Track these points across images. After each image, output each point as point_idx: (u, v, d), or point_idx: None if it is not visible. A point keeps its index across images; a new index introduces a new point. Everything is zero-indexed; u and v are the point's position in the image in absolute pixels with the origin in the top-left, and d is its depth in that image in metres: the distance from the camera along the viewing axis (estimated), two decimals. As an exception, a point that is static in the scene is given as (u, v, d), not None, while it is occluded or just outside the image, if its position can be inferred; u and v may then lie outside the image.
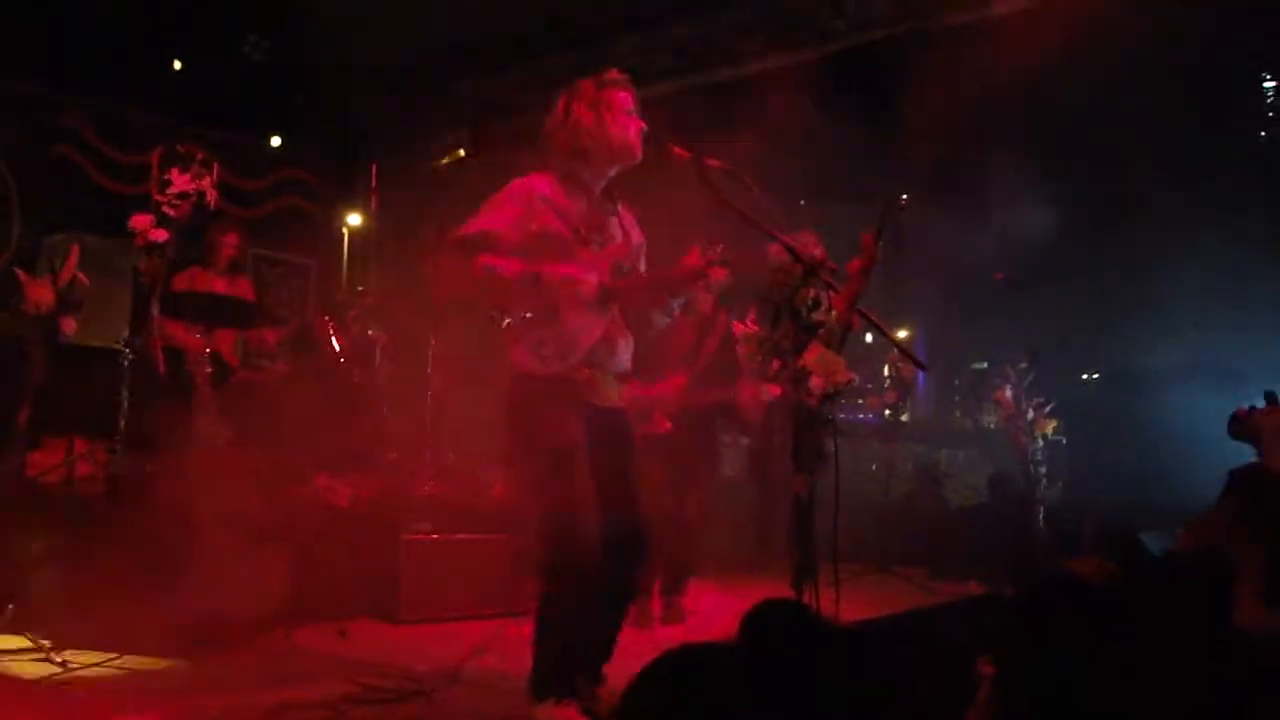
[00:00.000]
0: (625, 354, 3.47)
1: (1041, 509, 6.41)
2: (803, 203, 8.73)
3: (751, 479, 8.40)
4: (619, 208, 3.56)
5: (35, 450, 5.64)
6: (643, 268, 3.58)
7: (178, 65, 8.51)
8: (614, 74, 3.51)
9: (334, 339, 6.61)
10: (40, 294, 5.24)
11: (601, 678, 3.43)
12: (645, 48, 8.76)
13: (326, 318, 6.76)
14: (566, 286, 3.23)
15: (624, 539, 3.31)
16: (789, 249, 2.96)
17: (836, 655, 1.54)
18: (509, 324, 3.36)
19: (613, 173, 3.50)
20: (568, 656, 3.29)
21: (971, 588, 6.42)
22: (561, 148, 3.44)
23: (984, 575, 6.46)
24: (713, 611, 5.73)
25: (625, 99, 3.45)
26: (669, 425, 5.14)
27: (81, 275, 5.41)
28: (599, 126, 3.38)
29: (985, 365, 6.59)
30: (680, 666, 1.49)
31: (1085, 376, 8.68)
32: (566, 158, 3.44)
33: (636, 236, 3.58)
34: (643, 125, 3.41)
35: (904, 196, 5.53)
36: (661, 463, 4.87)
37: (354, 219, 9.62)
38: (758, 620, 1.60)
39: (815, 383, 2.76)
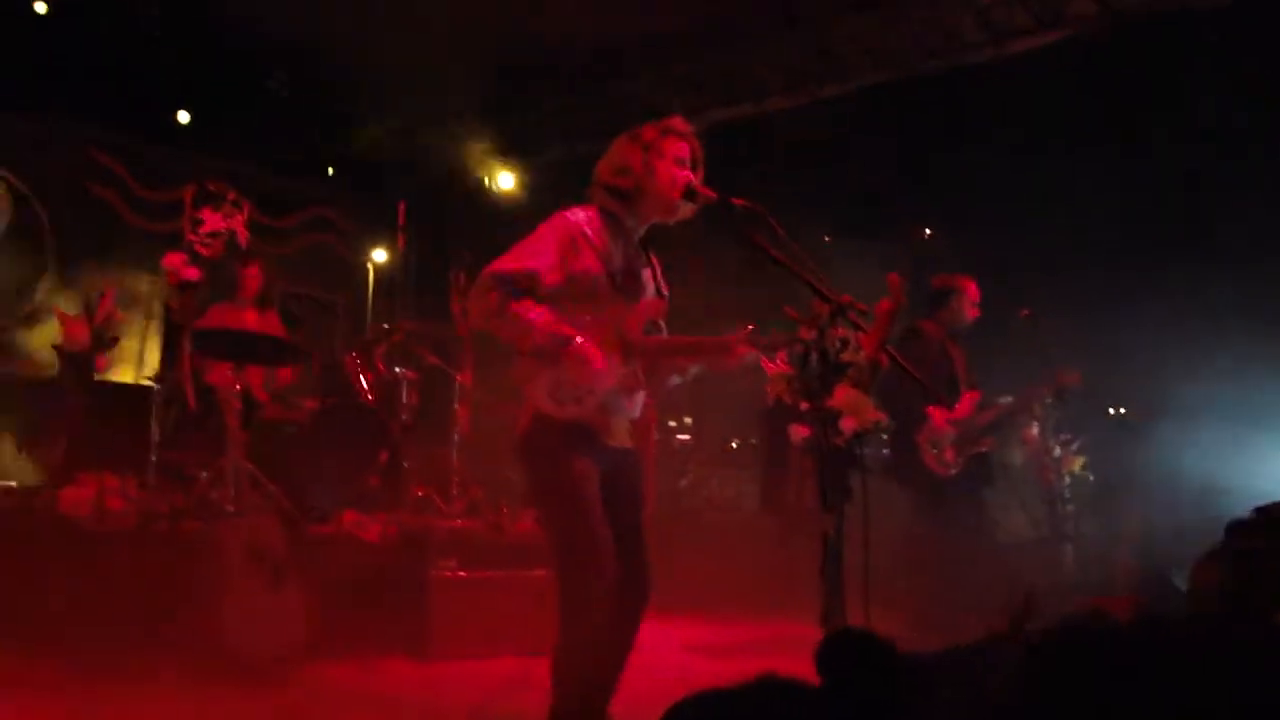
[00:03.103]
0: (639, 403, 3.45)
1: (1070, 547, 6.37)
2: (827, 239, 8.76)
3: (767, 513, 8.41)
4: (652, 258, 3.53)
5: (68, 485, 5.69)
6: (663, 324, 3.53)
7: (206, 104, 8.62)
8: (677, 122, 3.45)
9: (361, 376, 6.65)
10: (77, 332, 5.33)
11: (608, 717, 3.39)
12: (659, 81, 8.86)
13: (354, 354, 6.80)
14: (590, 367, 3.16)
15: (632, 575, 3.31)
16: (817, 289, 2.97)
17: (914, 688, 1.52)
18: (527, 362, 3.30)
19: (652, 221, 3.47)
20: (588, 696, 3.27)
21: (999, 625, 6.36)
22: (608, 187, 3.41)
23: (1012, 613, 6.39)
24: (747, 646, 5.73)
25: (680, 149, 3.40)
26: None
27: (116, 313, 5.51)
28: (646, 173, 3.35)
29: (1009, 399, 6.55)
30: (761, 705, 1.46)
31: (1113, 412, 8.65)
32: (611, 198, 3.40)
33: (664, 290, 3.55)
34: (691, 178, 3.35)
35: (927, 231, 5.56)
36: None
37: (380, 255, 9.72)
38: (834, 653, 1.57)
39: (846, 423, 2.78)
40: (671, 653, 5.50)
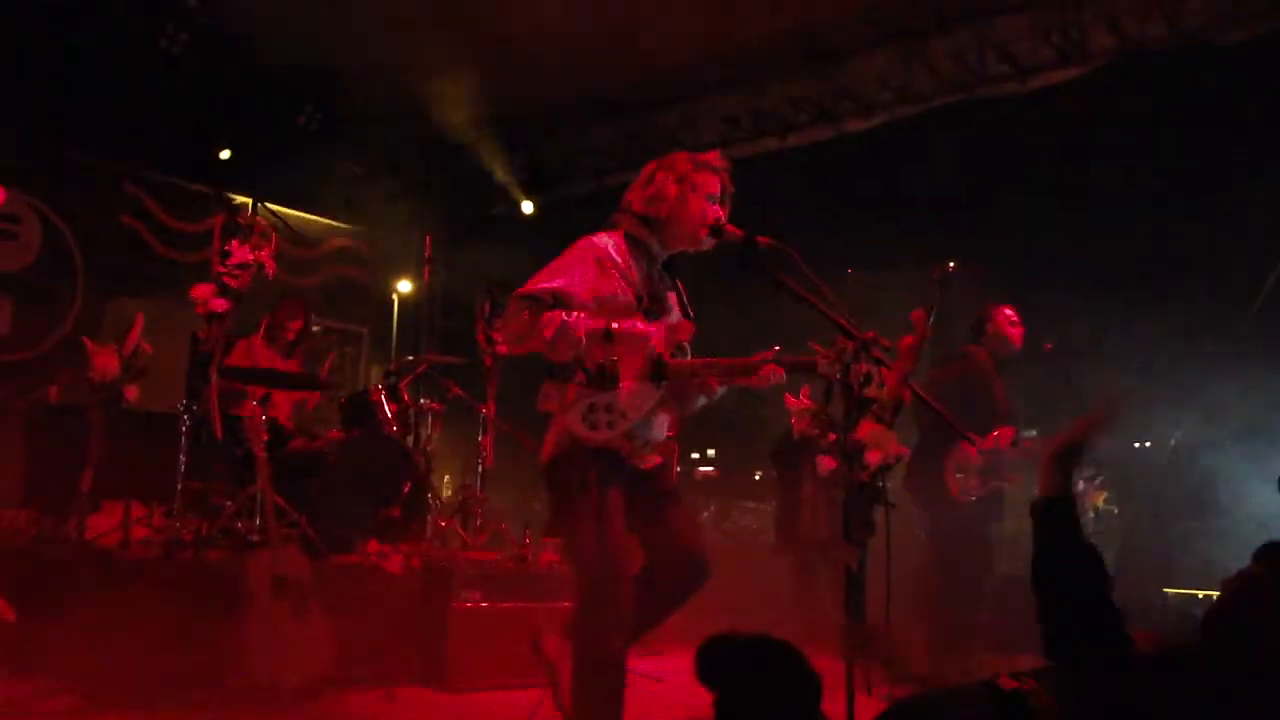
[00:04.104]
0: (666, 425, 3.48)
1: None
2: (850, 271, 8.76)
3: (781, 544, 8.38)
4: (677, 284, 3.57)
5: (94, 513, 5.73)
6: (688, 350, 3.56)
7: (236, 136, 8.73)
8: (713, 157, 3.50)
9: (386, 407, 6.69)
10: (106, 362, 5.38)
11: None
12: (684, 116, 8.93)
13: (379, 386, 6.84)
14: (638, 343, 3.23)
15: (684, 556, 3.38)
16: (841, 326, 2.99)
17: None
18: (562, 386, 3.32)
19: (677, 250, 3.50)
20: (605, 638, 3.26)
21: (1023, 660, 6.32)
22: (638, 212, 3.44)
23: (1033, 647, 6.35)
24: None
25: (712, 184, 3.43)
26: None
27: (144, 343, 5.56)
28: (679, 203, 3.38)
29: (1034, 434, 6.53)
30: None
31: (1137, 446, 8.59)
32: (639, 224, 3.44)
33: (690, 313, 3.58)
34: (720, 215, 3.38)
35: (951, 264, 5.55)
36: None
37: (405, 286, 9.78)
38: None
39: (871, 457, 2.79)
40: (690, 684, 5.46)
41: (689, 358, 3.51)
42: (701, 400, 3.54)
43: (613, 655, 3.23)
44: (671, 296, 3.52)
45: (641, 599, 3.30)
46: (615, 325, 3.22)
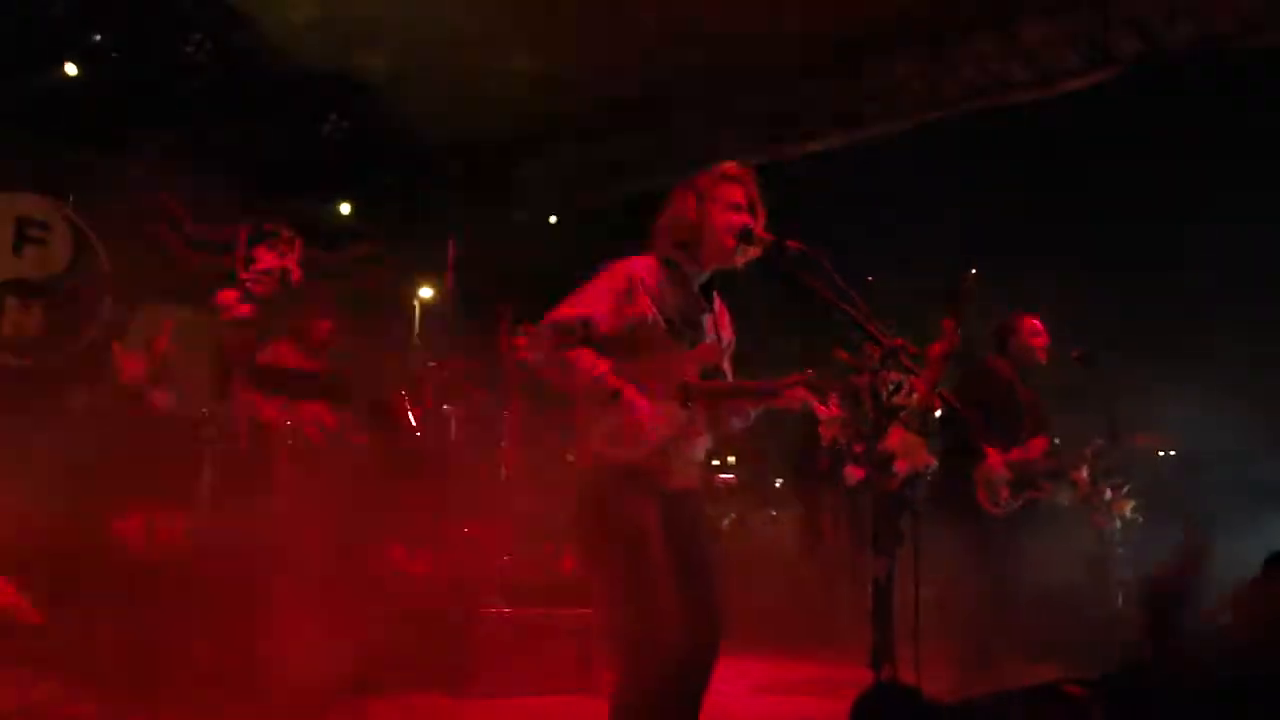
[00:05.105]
0: (700, 448, 3.43)
1: (1121, 591, 6.28)
2: (870, 279, 8.73)
3: (804, 553, 8.37)
4: (715, 304, 3.51)
5: (120, 517, 5.76)
6: (728, 367, 3.52)
7: (262, 142, 8.76)
8: (730, 167, 3.44)
9: (409, 412, 6.70)
10: (133, 367, 5.42)
11: None
12: (708, 122, 8.91)
13: (402, 392, 6.85)
14: (635, 420, 3.16)
15: (701, 620, 3.23)
16: (870, 333, 2.97)
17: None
18: (586, 405, 3.30)
19: (714, 267, 3.45)
20: None
21: (1048, 671, 6.28)
22: (665, 235, 3.42)
23: (1062, 658, 6.33)
24: (792, 687, 5.69)
25: (735, 193, 3.38)
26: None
27: (172, 349, 5.60)
28: (700, 219, 3.34)
29: (1057, 440, 6.49)
30: None
31: (1162, 454, 8.52)
32: (669, 247, 3.41)
33: (727, 335, 3.53)
34: (748, 221, 3.33)
35: (973, 270, 5.51)
36: None
37: (428, 291, 9.80)
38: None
39: (900, 466, 2.77)
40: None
41: (728, 378, 3.48)
42: (737, 425, 3.49)
43: (664, 679, 3.10)
44: (708, 319, 3.46)
45: None
46: (624, 392, 3.16)
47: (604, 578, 3.30)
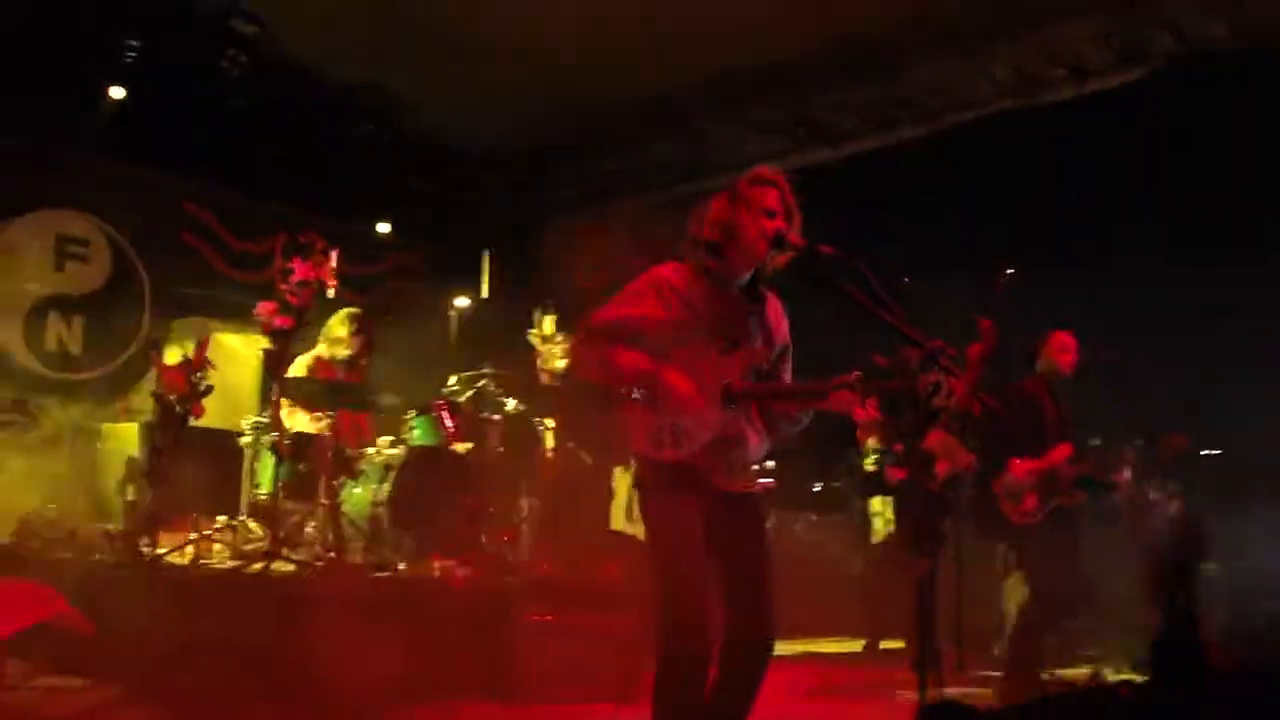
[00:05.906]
0: (754, 450, 3.42)
1: (1165, 593, 6.21)
2: (907, 280, 8.69)
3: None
4: (765, 306, 3.49)
5: (163, 529, 5.83)
6: (787, 368, 3.53)
7: (295, 153, 8.83)
8: (763, 171, 3.45)
9: (448, 421, 6.73)
10: (174, 379, 5.48)
11: None
12: (737, 128, 8.89)
13: (440, 401, 6.89)
14: (678, 397, 3.20)
15: (750, 627, 3.27)
16: (908, 335, 2.95)
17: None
18: (627, 410, 3.34)
19: (749, 271, 3.44)
20: None
21: (1095, 674, 6.24)
22: (696, 241, 3.42)
23: (1106, 660, 6.30)
24: (835, 690, 5.67)
25: (769, 197, 3.37)
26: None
27: (211, 362, 5.67)
28: (732, 223, 3.35)
29: (1098, 442, 6.43)
30: None
31: (1205, 453, 8.43)
32: (704, 252, 3.41)
33: (779, 338, 3.52)
34: (781, 227, 3.32)
35: (1009, 271, 5.49)
36: None
37: (464, 301, 9.86)
38: None
39: (940, 467, 2.76)
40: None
41: (782, 380, 3.49)
42: (791, 428, 3.48)
43: (690, 652, 3.15)
44: (754, 321, 3.45)
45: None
46: (661, 374, 3.21)
47: (651, 573, 3.36)
